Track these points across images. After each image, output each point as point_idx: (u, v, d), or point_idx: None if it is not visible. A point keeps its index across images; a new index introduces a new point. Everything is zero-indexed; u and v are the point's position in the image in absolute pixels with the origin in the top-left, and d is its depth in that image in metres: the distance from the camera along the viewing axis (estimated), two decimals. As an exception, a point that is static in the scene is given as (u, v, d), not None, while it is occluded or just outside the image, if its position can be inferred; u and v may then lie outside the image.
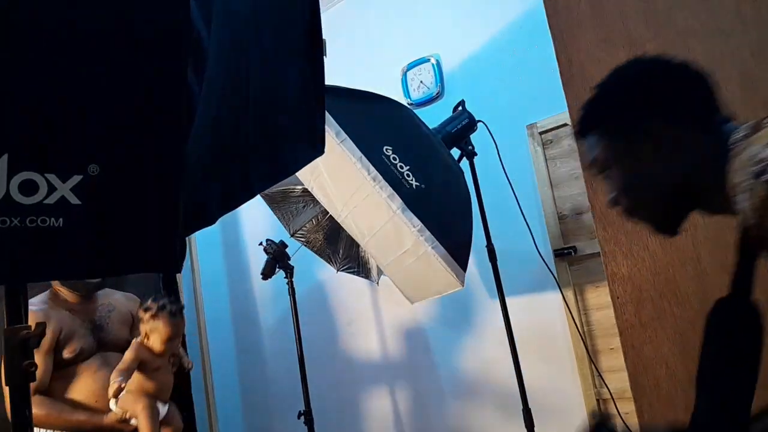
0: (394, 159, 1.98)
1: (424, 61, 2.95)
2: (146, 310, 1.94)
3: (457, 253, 1.97)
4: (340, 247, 3.07)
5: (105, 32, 0.59)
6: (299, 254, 3.02)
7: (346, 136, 1.93)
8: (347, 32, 3.29)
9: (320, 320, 3.33)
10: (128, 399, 1.86)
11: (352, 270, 3.07)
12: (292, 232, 3.07)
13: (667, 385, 1.28)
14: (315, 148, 1.00)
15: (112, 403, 1.88)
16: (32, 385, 1.74)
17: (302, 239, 3.06)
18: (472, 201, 2.26)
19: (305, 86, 0.94)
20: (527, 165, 2.59)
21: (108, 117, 0.61)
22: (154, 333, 1.92)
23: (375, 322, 3.16)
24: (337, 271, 3.11)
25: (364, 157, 1.93)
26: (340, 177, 2.03)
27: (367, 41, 3.20)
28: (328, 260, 3.11)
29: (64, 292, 1.98)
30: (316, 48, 0.95)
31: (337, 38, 3.32)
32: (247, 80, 0.80)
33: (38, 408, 1.77)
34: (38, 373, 1.78)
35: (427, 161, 2.07)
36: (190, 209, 0.76)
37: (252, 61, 0.81)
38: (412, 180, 1.98)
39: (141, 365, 1.90)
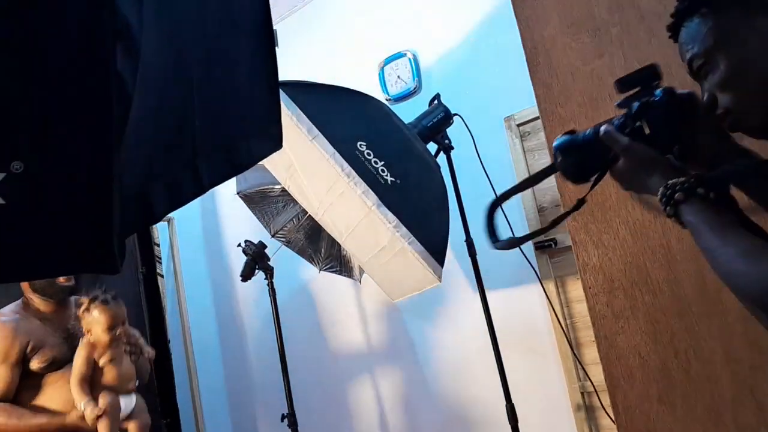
0: (369, 154, 1.95)
1: (400, 56, 2.93)
2: (79, 306, 1.92)
3: (434, 248, 1.94)
4: (321, 247, 3.04)
5: (21, 22, 0.56)
6: (282, 255, 2.98)
7: (318, 132, 1.90)
8: (323, 28, 3.26)
9: (304, 321, 3.30)
10: (101, 420, 1.81)
11: (334, 269, 3.04)
12: (272, 232, 3.03)
13: (640, 375, 1.26)
14: (272, 141, 0.97)
15: (78, 402, 1.83)
16: None
17: (283, 239, 3.03)
18: (450, 195, 2.24)
19: (256, 79, 0.91)
20: (506, 157, 2.57)
21: (30, 111, 0.58)
22: (93, 325, 1.88)
23: (359, 322, 3.13)
24: (320, 270, 3.08)
25: (337, 153, 1.90)
26: (314, 174, 2.00)
27: (343, 37, 3.17)
28: (310, 260, 3.07)
29: (36, 301, 1.94)
30: (267, 39, 0.92)
31: (314, 34, 3.29)
32: (189, 72, 0.77)
33: None
34: (0, 384, 1.75)
35: (402, 156, 2.05)
36: (132, 207, 0.73)
37: (194, 53, 0.78)
38: (387, 175, 1.95)
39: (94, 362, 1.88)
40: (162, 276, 3.87)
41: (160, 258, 3.89)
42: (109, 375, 1.88)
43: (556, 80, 1.40)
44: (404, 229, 1.90)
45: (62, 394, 1.84)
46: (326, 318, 3.24)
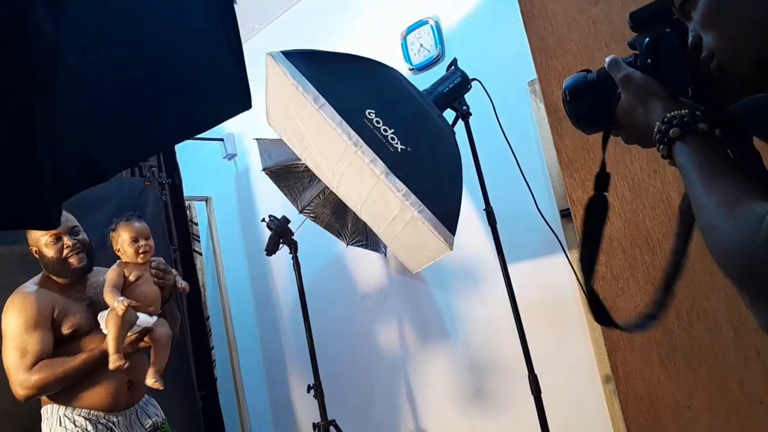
0: (378, 122, 1.92)
1: (422, 23, 2.86)
2: (111, 230, 2.09)
3: (445, 216, 1.90)
4: (348, 221, 3.04)
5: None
6: (312, 230, 3.00)
7: (324, 101, 1.87)
8: (345, 1, 3.22)
9: (334, 295, 3.32)
10: (110, 315, 1.90)
11: (360, 243, 3.04)
12: (300, 208, 3.05)
13: (641, 338, 1.20)
14: (237, 103, 0.96)
15: (102, 326, 1.92)
16: (31, 357, 1.80)
17: (311, 215, 3.04)
18: (469, 163, 2.19)
19: (213, 39, 0.89)
20: (530, 123, 2.48)
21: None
22: (121, 243, 2.04)
23: (387, 295, 3.12)
24: (347, 245, 3.08)
25: (344, 122, 1.87)
26: (325, 145, 1.98)
27: (365, 8, 3.12)
28: (337, 235, 3.08)
29: (53, 278, 2.01)
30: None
31: (336, 8, 3.26)
32: (137, 31, 0.76)
33: (42, 371, 1.81)
34: (34, 346, 1.82)
35: (414, 123, 2.00)
36: (76, 165, 0.73)
37: (138, 12, 0.77)
38: (396, 143, 1.91)
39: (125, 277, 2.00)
40: (201, 254, 3.97)
41: (199, 236, 3.99)
42: (133, 294, 1.97)
43: (551, 31, 1.33)
44: (413, 197, 1.86)
45: None
46: (356, 292, 3.25)
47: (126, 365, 1.84)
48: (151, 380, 1.94)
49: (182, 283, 2.16)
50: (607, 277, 1.25)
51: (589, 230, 0.89)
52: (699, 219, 0.70)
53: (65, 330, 1.91)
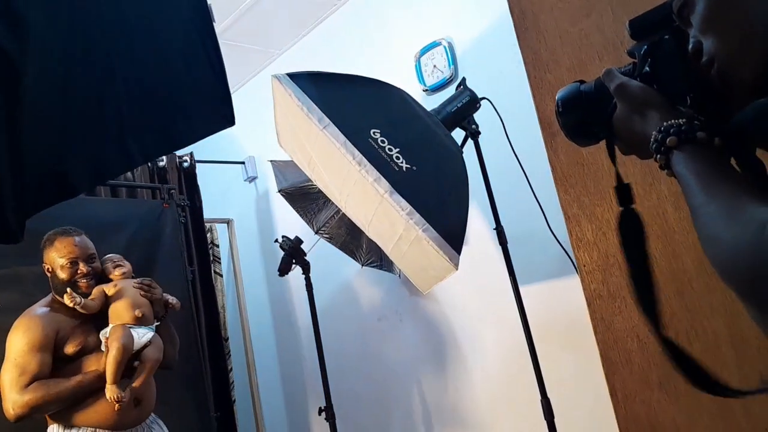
0: (383, 142, 1.91)
1: (435, 45, 2.87)
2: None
3: (450, 235, 1.87)
4: (363, 242, 3.03)
5: None
6: (327, 251, 3.00)
7: (329, 121, 1.88)
8: (360, 26, 3.25)
9: (350, 317, 3.30)
10: (111, 344, 1.95)
11: (375, 264, 3.02)
12: (315, 229, 3.06)
13: (639, 359, 1.14)
14: (221, 120, 0.96)
15: (103, 345, 1.97)
16: (28, 377, 1.83)
17: (326, 236, 3.04)
18: (479, 182, 2.17)
19: (194, 58, 0.90)
20: (541, 142, 2.44)
21: None
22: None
23: (402, 317, 3.09)
24: (362, 266, 3.07)
25: (348, 142, 1.87)
26: (331, 165, 1.99)
27: (379, 32, 3.15)
28: (352, 255, 3.07)
29: (61, 300, 2.06)
30: (202, 15, 0.91)
31: (352, 32, 3.29)
32: (105, 50, 0.78)
33: (34, 392, 1.85)
34: (34, 367, 1.86)
35: (419, 143, 1.99)
36: (47, 183, 0.74)
37: (114, 28, 0.78)
38: (401, 162, 1.90)
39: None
40: (221, 275, 4.00)
41: (220, 258, 4.03)
42: (118, 305, 2.02)
43: (543, 45, 1.31)
44: (418, 215, 1.84)
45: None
46: (371, 313, 3.23)
47: (125, 399, 1.88)
48: (120, 397, 1.91)
49: (172, 300, 2.19)
50: (603, 296, 1.20)
51: (631, 257, 0.80)
52: (699, 229, 0.67)
53: (69, 350, 1.95)
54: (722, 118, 0.74)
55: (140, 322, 2.03)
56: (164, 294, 2.19)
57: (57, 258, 2.02)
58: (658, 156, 0.72)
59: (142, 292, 2.07)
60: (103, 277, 2.14)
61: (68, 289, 1.93)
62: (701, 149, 0.69)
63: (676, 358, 0.77)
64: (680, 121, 0.71)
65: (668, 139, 0.70)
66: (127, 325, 2.00)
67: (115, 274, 2.11)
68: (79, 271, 2.02)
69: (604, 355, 1.20)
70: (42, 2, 0.68)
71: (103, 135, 0.79)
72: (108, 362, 1.90)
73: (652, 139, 0.73)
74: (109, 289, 2.08)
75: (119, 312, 2.02)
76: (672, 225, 1.11)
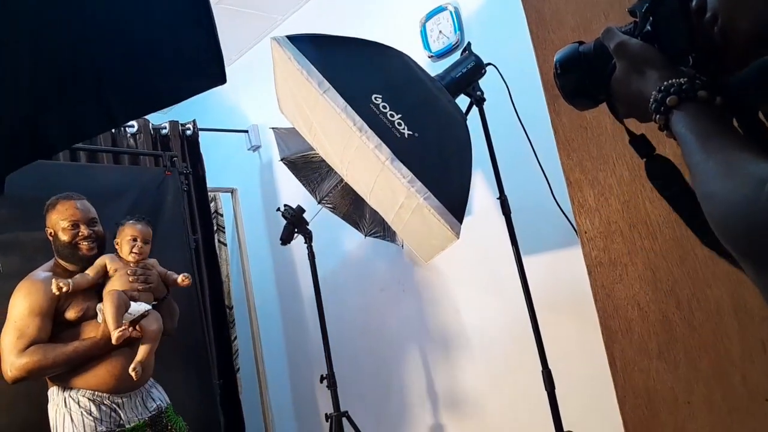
0: (384, 107, 1.87)
1: (441, 9, 2.80)
2: (119, 225, 2.18)
3: (453, 204, 1.84)
4: (366, 212, 3.01)
5: None
6: (332, 220, 2.99)
7: (329, 85, 1.83)
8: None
9: (353, 287, 3.30)
10: (105, 298, 1.98)
11: (378, 235, 3.01)
12: (318, 198, 3.03)
13: (639, 328, 1.12)
14: (208, 78, 0.93)
15: (99, 317, 1.98)
16: (26, 340, 1.85)
17: (329, 205, 3.02)
18: (483, 150, 2.13)
19: (178, 13, 0.87)
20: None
21: None
22: (121, 239, 2.12)
23: (405, 288, 3.08)
24: (365, 236, 3.05)
25: (348, 107, 1.83)
26: (331, 130, 1.95)
27: (384, -4, 3.08)
28: (356, 226, 3.05)
29: (64, 264, 2.07)
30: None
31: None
32: (82, 5, 0.74)
33: (31, 355, 1.87)
34: (32, 331, 1.87)
35: (422, 108, 1.95)
36: (19, 139, 0.71)
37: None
38: (403, 129, 1.86)
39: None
40: (225, 245, 4.00)
41: (224, 227, 4.03)
42: (114, 281, 2.04)
43: (547, 3, 1.26)
44: (419, 183, 1.81)
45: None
46: (374, 284, 3.22)
47: (130, 333, 1.89)
48: (131, 369, 1.95)
49: (180, 278, 2.17)
50: (605, 263, 1.18)
51: (679, 202, 0.76)
52: (697, 187, 0.65)
53: (70, 315, 1.96)
54: (724, 78, 0.71)
55: (136, 297, 2.04)
56: (169, 273, 2.18)
57: (59, 221, 2.04)
58: (658, 116, 0.70)
59: (138, 285, 2.05)
60: (104, 242, 2.13)
61: (54, 279, 1.92)
62: (702, 108, 0.67)
63: None
64: (681, 80, 0.69)
65: (668, 99, 0.68)
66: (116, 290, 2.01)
67: (129, 257, 2.10)
68: (80, 234, 2.04)
69: (604, 324, 1.18)
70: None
71: (79, 92, 0.76)
72: (106, 313, 1.91)
73: (651, 99, 0.70)
74: (111, 267, 2.08)
75: (113, 285, 2.04)
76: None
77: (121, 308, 1.94)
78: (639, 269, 1.13)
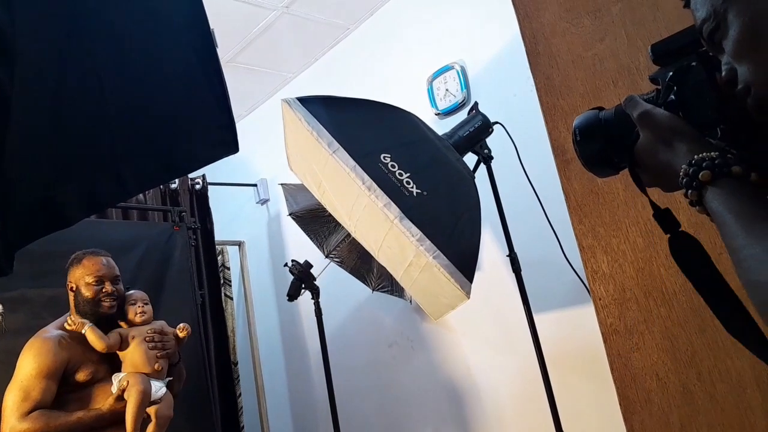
0: (393, 166, 1.89)
1: (448, 69, 2.86)
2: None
3: (462, 262, 1.83)
4: (373, 266, 2.99)
5: None
6: (339, 275, 2.96)
7: (338, 145, 1.86)
8: (372, 50, 3.26)
9: (361, 342, 3.25)
10: (131, 391, 1.93)
11: (386, 289, 2.98)
12: (326, 252, 3.02)
13: (659, 399, 1.08)
14: (222, 146, 0.94)
15: (114, 386, 1.94)
16: (30, 404, 1.81)
17: (336, 259, 3.00)
18: (491, 207, 2.13)
19: (193, 84, 0.88)
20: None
21: None
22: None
23: (414, 344, 3.03)
24: (373, 291, 3.02)
25: (358, 166, 1.85)
26: (340, 189, 1.97)
27: (392, 56, 3.15)
28: (363, 280, 3.03)
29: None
30: (203, 44, 0.89)
31: (364, 56, 3.30)
32: (96, 76, 0.76)
33: (34, 422, 1.83)
34: (38, 394, 1.84)
35: (430, 167, 1.96)
36: (36, 211, 0.71)
37: (106, 55, 0.76)
38: (412, 187, 1.87)
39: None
40: (231, 298, 3.97)
41: (230, 280, 4.00)
42: (135, 356, 1.99)
43: (556, 70, 1.28)
44: (428, 242, 1.80)
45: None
46: (382, 339, 3.17)
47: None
48: None
49: (178, 329, 2.15)
50: (620, 331, 1.15)
51: (702, 283, 0.73)
52: (742, 273, 0.61)
53: (80, 378, 1.94)
54: (756, 150, 0.69)
55: (157, 375, 2.02)
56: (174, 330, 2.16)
57: (84, 276, 2.03)
58: (690, 191, 0.67)
59: (158, 352, 2.03)
60: (123, 302, 2.13)
61: (71, 315, 1.91)
62: (738, 185, 0.64)
63: None
64: (712, 154, 0.66)
65: (701, 174, 0.65)
66: (144, 374, 1.98)
67: (136, 319, 2.08)
68: (104, 290, 2.03)
69: (622, 394, 1.14)
70: (31, 27, 0.66)
71: (94, 163, 0.76)
72: (129, 410, 1.89)
73: (681, 173, 0.68)
74: (130, 334, 2.06)
75: (136, 363, 2.00)
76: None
77: (145, 405, 1.92)
78: (656, 338, 1.11)
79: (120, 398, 1.92)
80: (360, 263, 3.03)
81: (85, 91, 0.74)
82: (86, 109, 0.74)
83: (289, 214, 2.91)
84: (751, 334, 0.69)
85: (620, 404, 1.15)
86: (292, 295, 2.58)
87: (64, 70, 0.70)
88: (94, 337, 1.96)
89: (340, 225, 2.90)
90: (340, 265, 2.99)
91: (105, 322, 2.07)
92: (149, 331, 2.06)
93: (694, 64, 0.74)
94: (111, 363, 2.02)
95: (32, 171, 0.68)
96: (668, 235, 0.75)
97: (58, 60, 0.69)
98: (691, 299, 1.06)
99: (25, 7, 0.64)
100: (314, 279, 2.63)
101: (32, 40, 0.65)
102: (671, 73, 0.75)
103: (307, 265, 2.63)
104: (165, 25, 0.87)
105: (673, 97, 0.74)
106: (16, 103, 0.63)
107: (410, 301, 2.94)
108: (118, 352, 2.02)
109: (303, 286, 2.59)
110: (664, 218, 0.76)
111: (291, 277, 2.67)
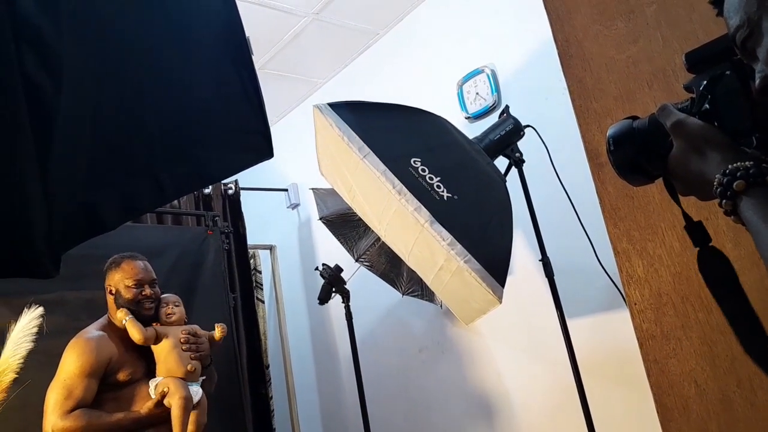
0: (423, 170, 1.89)
1: (478, 72, 2.84)
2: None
3: (493, 266, 1.82)
4: (403, 270, 2.99)
5: None
6: (369, 279, 2.98)
7: (369, 150, 1.86)
8: (401, 55, 3.26)
9: (390, 347, 3.25)
10: (174, 400, 1.97)
11: (416, 294, 2.97)
12: (356, 256, 3.04)
13: (697, 406, 1.05)
14: (255, 153, 0.95)
15: (151, 388, 1.99)
16: (72, 402, 1.86)
17: (366, 263, 3.02)
18: (523, 212, 2.11)
19: (228, 90, 0.90)
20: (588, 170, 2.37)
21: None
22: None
23: (444, 349, 3.02)
24: (402, 295, 3.03)
25: (388, 171, 1.85)
26: (370, 193, 1.97)
27: (422, 60, 3.15)
28: (393, 284, 3.03)
29: (117, 322, 2.09)
30: (238, 50, 0.91)
31: (394, 61, 3.30)
32: (134, 82, 0.78)
33: (75, 421, 1.87)
34: (80, 392, 1.89)
35: (461, 171, 1.96)
36: (76, 216, 0.74)
37: (138, 62, 0.78)
38: (442, 191, 1.87)
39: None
40: (263, 302, 4.01)
41: (262, 284, 4.05)
42: (170, 359, 2.03)
43: (589, 73, 1.26)
44: (459, 246, 1.80)
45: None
46: (412, 344, 3.17)
47: None
48: None
49: (216, 332, 2.19)
50: (657, 337, 1.13)
51: (724, 299, 0.74)
52: None
53: (120, 377, 2.00)
54: None
55: (191, 376, 2.05)
56: (210, 334, 2.20)
57: (123, 279, 2.09)
58: (724, 201, 0.67)
59: (191, 354, 2.08)
60: (159, 304, 2.18)
61: (111, 315, 1.97)
62: None
63: None
64: (747, 163, 0.66)
65: (735, 183, 0.65)
66: (180, 379, 2.02)
67: (169, 320, 2.14)
68: (143, 293, 2.09)
69: (659, 401, 1.12)
70: (73, 32, 0.68)
71: (133, 168, 0.78)
72: (175, 416, 1.93)
73: (716, 183, 0.68)
74: (162, 332, 2.11)
75: (170, 366, 2.04)
76: (732, 262, 1.04)
77: (189, 410, 1.97)
78: (695, 344, 1.08)
79: (159, 403, 1.96)
80: (389, 267, 3.03)
81: (124, 99, 0.76)
82: (125, 117, 0.76)
83: (320, 219, 2.94)
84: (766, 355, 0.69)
85: (657, 411, 1.13)
86: (323, 298, 2.60)
87: (104, 75, 0.72)
88: (134, 329, 2.02)
89: (370, 229, 2.92)
90: (369, 269, 3.00)
91: (145, 323, 2.11)
92: (183, 332, 2.10)
93: (727, 72, 0.73)
94: (148, 364, 2.07)
95: (74, 177, 0.71)
96: (697, 249, 0.75)
97: (99, 64, 0.71)
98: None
99: (71, 20, 0.66)
100: (344, 283, 2.64)
101: (74, 44, 0.67)
102: (705, 82, 0.74)
103: (338, 269, 2.65)
104: (202, 33, 0.89)
105: (707, 106, 0.74)
106: (61, 110, 0.65)
107: (441, 306, 2.93)
108: (153, 350, 2.07)
109: (333, 289, 2.61)
110: (696, 231, 0.76)
111: (321, 281, 2.69)
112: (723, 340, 1.04)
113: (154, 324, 2.14)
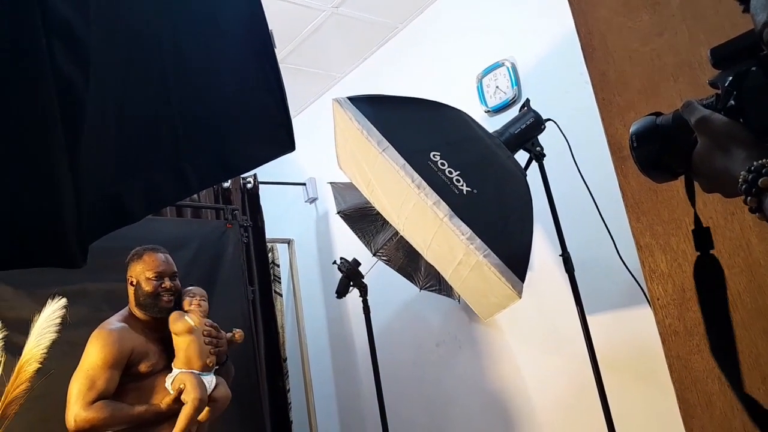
0: (442, 164, 1.88)
1: (498, 66, 2.82)
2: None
3: (513, 261, 1.81)
4: (421, 265, 2.99)
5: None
6: (387, 273, 2.98)
7: (388, 144, 1.86)
8: (420, 49, 3.25)
9: (408, 341, 3.25)
10: (179, 379, 2.01)
11: (434, 288, 2.97)
12: (373, 251, 3.04)
13: (721, 403, 1.04)
14: (278, 146, 0.96)
15: (167, 383, 2.01)
16: (95, 393, 1.89)
17: (384, 258, 3.02)
18: (544, 206, 2.10)
19: (251, 82, 0.90)
20: (610, 165, 2.34)
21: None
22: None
23: (462, 343, 3.01)
24: (420, 290, 3.02)
25: (407, 165, 1.85)
26: (389, 187, 1.97)
27: (441, 53, 3.14)
28: (410, 278, 3.03)
29: (139, 313, 2.12)
30: (262, 40, 0.91)
31: (413, 55, 3.29)
32: (160, 73, 0.78)
33: (98, 412, 1.90)
34: (102, 383, 1.91)
35: (480, 165, 1.95)
36: (102, 206, 0.75)
37: (169, 57, 0.79)
38: (462, 185, 1.86)
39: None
40: (281, 295, 4.04)
41: (280, 278, 4.08)
42: (191, 350, 2.04)
43: (612, 66, 1.24)
44: (479, 240, 1.79)
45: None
46: (430, 338, 3.17)
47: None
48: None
49: (236, 334, 2.22)
50: (680, 332, 1.11)
51: (708, 305, 0.75)
52: None
53: (143, 369, 2.02)
54: None
55: (208, 369, 2.08)
56: (227, 335, 2.23)
57: (144, 271, 2.12)
58: (749, 198, 0.66)
59: (211, 348, 2.09)
60: (180, 297, 2.20)
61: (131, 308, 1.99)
62: None
63: (755, 415, 0.72)
64: None
65: (760, 180, 0.64)
66: (196, 373, 2.04)
67: (191, 308, 2.15)
68: (163, 286, 2.11)
69: (681, 397, 1.11)
70: (99, 25, 0.69)
71: (157, 158, 0.79)
72: (183, 415, 1.95)
73: (740, 180, 0.67)
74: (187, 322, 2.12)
75: (190, 356, 2.05)
76: (757, 258, 1.02)
77: (199, 413, 1.98)
78: (719, 340, 1.07)
79: (177, 399, 1.98)
80: (407, 262, 3.03)
81: (149, 91, 0.77)
82: (150, 109, 0.77)
83: (338, 213, 2.94)
84: (731, 363, 0.73)
85: (680, 408, 1.11)
86: (341, 292, 2.60)
87: (130, 71, 0.73)
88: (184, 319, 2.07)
89: (388, 223, 2.92)
90: (387, 264, 3.00)
91: (166, 314, 2.13)
92: (207, 325, 2.12)
93: (753, 68, 0.72)
94: (169, 355, 2.09)
95: (101, 168, 0.71)
96: (697, 254, 0.76)
97: (125, 55, 0.72)
98: (756, 300, 1.02)
99: (98, 13, 0.67)
100: (362, 277, 2.65)
101: (101, 36, 0.68)
102: (730, 78, 0.73)
103: (356, 263, 2.66)
104: (227, 25, 0.89)
105: (732, 102, 0.73)
106: (90, 103, 0.66)
107: (458, 300, 2.93)
108: (174, 340, 2.09)
109: (351, 283, 2.62)
110: (702, 236, 0.77)
111: (338, 275, 2.70)
112: (747, 336, 1.03)
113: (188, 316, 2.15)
